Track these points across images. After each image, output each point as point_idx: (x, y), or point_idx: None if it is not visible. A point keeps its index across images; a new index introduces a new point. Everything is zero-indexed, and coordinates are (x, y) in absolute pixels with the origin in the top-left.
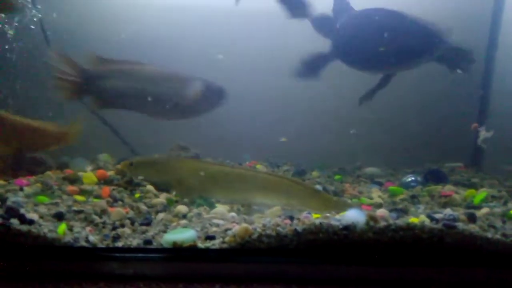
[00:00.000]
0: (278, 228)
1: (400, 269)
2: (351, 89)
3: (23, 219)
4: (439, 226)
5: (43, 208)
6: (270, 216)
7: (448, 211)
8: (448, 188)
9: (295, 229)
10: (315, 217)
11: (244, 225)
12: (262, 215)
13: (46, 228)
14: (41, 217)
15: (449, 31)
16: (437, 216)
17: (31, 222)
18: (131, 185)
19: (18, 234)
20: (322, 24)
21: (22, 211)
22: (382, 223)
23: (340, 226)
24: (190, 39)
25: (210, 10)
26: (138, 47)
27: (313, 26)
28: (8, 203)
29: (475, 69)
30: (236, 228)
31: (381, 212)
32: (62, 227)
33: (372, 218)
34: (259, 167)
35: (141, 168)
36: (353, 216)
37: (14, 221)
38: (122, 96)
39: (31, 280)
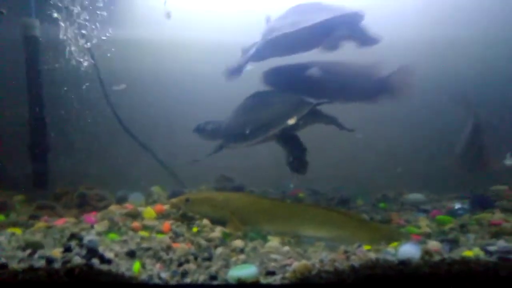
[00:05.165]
0: (336, 263)
1: None
2: (387, 115)
3: (103, 259)
4: (493, 259)
5: (115, 246)
6: (324, 250)
7: (501, 242)
8: (497, 217)
9: (352, 265)
10: (367, 249)
11: (304, 261)
12: (313, 247)
13: (124, 267)
14: (116, 255)
15: None
16: (491, 248)
17: (109, 261)
18: (186, 219)
19: (100, 273)
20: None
21: (100, 250)
22: (437, 257)
23: (396, 262)
24: None
25: None
26: None
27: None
28: (85, 241)
29: None
30: (296, 264)
31: (434, 245)
32: (137, 265)
33: (427, 252)
34: (301, 195)
35: (197, 204)
36: (408, 250)
37: (95, 261)
38: None
39: None
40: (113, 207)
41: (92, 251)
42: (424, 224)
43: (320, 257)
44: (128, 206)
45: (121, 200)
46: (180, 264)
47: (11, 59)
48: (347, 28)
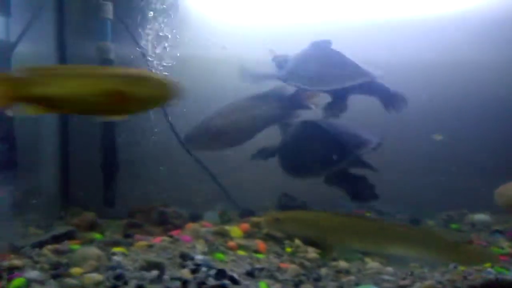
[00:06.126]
0: (456, 284)
1: None
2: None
3: (233, 280)
4: None
5: (231, 266)
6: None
7: None
8: None
9: (473, 285)
10: (462, 270)
11: (428, 282)
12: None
13: (253, 287)
14: (238, 276)
15: None
16: None
17: (238, 282)
18: (271, 238)
19: None
20: None
21: (229, 272)
22: None
23: None
24: None
25: None
26: None
27: None
28: (197, 261)
29: None
30: (419, 285)
31: None
32: (263, 285)
33: None
34: (369, 214)
35: (287, 223)
36: None
37: (227, 282)
38: None
39: None
40: (194, 225)
41: (221, 272)
42: (505, 245)
43: (435, 277)
44: (206, 224)
45: (196, 218)
46: (296, 285)
47: None
48: (366, 88)
